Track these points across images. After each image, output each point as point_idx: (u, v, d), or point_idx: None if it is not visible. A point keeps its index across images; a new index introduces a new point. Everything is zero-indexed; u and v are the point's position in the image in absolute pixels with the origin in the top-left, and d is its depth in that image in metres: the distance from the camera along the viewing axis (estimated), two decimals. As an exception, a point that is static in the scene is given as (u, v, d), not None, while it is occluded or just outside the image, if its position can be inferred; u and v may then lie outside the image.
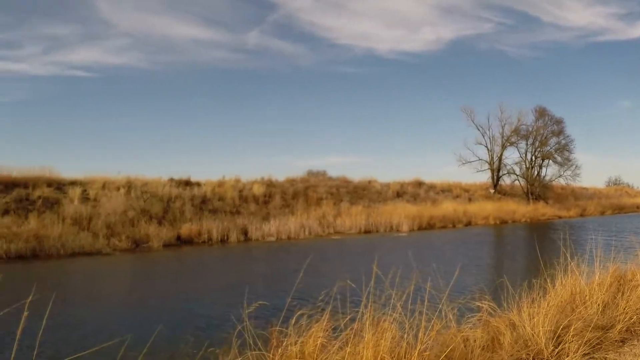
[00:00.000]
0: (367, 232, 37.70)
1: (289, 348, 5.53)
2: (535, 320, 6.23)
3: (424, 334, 5.29)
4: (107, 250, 27.15)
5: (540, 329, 6.07)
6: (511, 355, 5.80)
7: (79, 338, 11.17)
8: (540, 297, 6.93)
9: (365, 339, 5.21)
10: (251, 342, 5.59)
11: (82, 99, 74.95)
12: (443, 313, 5.83)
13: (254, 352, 5.51)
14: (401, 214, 40.83)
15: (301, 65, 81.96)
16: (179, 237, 31.10)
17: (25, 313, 3.53)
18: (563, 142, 62.88)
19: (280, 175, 56.05)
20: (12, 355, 4.27)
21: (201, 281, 19.77)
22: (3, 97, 70.93)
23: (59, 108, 73.63)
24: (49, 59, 70.15)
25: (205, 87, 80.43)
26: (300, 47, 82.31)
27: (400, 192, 50.03)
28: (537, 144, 62.40)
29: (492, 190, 60.35)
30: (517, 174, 63.03)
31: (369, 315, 5.46)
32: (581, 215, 60.54)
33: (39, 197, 31.62)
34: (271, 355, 5.51)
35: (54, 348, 10.05)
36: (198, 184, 39.56)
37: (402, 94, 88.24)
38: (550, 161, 63.16)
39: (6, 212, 29.00)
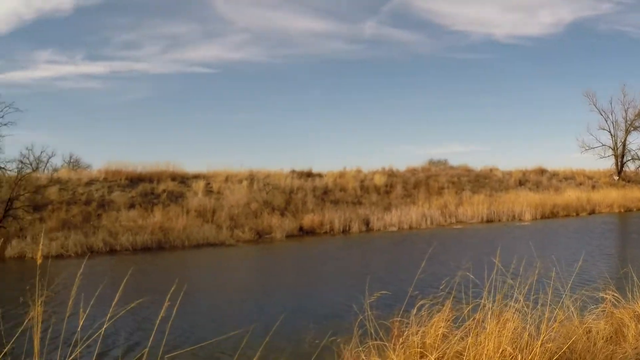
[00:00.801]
0: (489, 221, 36.98)
1: (410, 338, 5.60)
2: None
3: (547, 326, 5.21)
4: (231, 242, 28.32)
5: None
6: (635, 349, 5.60)
7: (206, 326, 11.78)
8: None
9: (487, 329, 5.19)
10: (372, 332, 5.72)
11: (203, 95, 78.67)
12: (565, 304, 5.74)
13: (375, 342, 5.63)
14: (523, 202, 39.61)
15: (419, 54, 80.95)
16: (301, 228, 31.91)
17: (167, 303, 3.86)
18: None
19: (400, 165, 56.06)
20: (150, 340, 4.62)
21: (324, 271, 20.30)
22: (127, 96, 75.87)
23: (181, 104, 77.71)
24: (168, 57, 74.13)
25: (324, 79, 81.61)
26: (416, 35, 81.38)
27: (522, 180, 48.49)
28: (663, 127, 57.78)
29: (616, 177, 56.77)
30: (643, 159, 58.68)
31: (491, 306, 5.47)
32: None
33: (164, 190, 33.77)
34: (392, 345, 5.60)
35: (183, 335, 10.67)
36: (319, 175, 40.49)
37: (521, 79, 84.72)
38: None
39: (132, 206, 31.22)
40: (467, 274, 5.99)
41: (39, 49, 72.55)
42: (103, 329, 3.69)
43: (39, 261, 3.39)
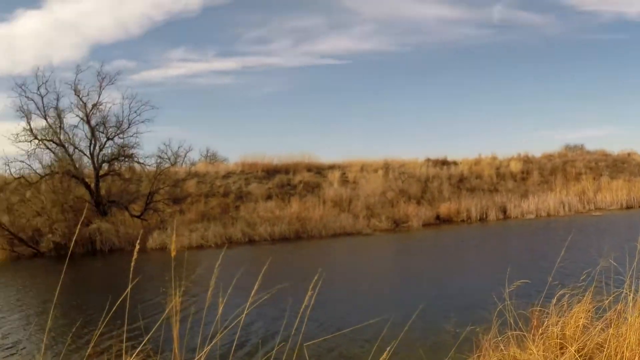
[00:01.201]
0: (628, 207, 35.61)
1: (550, 329, 5.57)
2: None
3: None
4: (368, 231, 28.72)
5: None
6: None
7: (344, 315, 11.81)
8: None
9: (629, 321, 5.03)
10: (512, 322, 5.71)
11: (334, 86, 79.84)
12: None
13: (514, 332, 5.61)
14: (665, 187, 36.96)
15: (549, 36, 76.92)
16: (437, 216, 32.05)
17: (310, 292, 3.84)
18: None
19: (536, 151, 53.96)
20: (293, 327, 4.63)
21: (461, 260, 20.01)
22: (259, 90, 78.44)
23: (312, 96, 79.27)
24: (298, 50, 75.93)
25: (454, 66, 79.86)
26: (546, 17, 77.17)
27: (663, 164, 44.84)
28: None
29: None
30: None
31: (633, 296, 5.34)
32: None
33: (300, 181, 34.75)
34: (531, 336, 5.57)
35: (321, 323, 10.71)
36: (454, 163, 40.48)
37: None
38: None
39: (269, 197, 32.28)
40: (610, 261, 5.91)
41: (171, 48, 76.80)
42: (242, 316, 3.76)
43: (173, 253, 3.46)
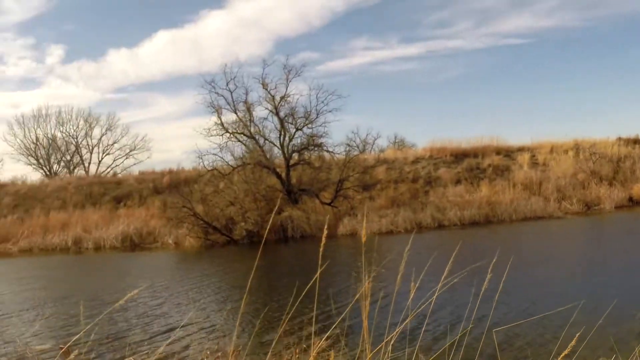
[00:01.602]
0: None
1: None
2: None
3: None
4: (558, 214, 28.11)
5: None
6: None
7: (534, 300, 11.54)
8: None
9: None
10: None
11: (518, 66, 76.88)
12: None
13: None
14: None
15: None
16: (630, 198, 30.74)
17: (489, 275, 3.81)
18: None
19: None
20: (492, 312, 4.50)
21: None
22: (444, 74, 77.76)
23: (496, 77, 77.15)
24: (480, 32, 74.15)
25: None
26: None
27: None
28: None
29: None
30: None
31: None
32: None
33: (489, 165, 34.31)
34: None
35: (509, 309, 10.58)
36: None
37: None
38: None
39: (458, 181, 32.08)
40: None
41: (353, 37, 78.63)
42: (432, 300, 3.75)
43: (364, 238, 3.52)
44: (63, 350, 4.51)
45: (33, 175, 57.91)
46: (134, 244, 29.29)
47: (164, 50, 79.59)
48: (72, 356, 4.43)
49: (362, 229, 3.83)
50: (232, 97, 30.66)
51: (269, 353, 4.47)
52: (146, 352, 7.71)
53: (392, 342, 3.57)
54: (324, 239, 3.43)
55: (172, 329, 10.66)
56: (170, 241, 28.30)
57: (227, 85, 30.43)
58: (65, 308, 13.65)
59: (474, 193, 30.06)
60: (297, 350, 4.87)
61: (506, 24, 75.16)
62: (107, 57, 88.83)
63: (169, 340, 9.55)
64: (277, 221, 27.17)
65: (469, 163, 35.04)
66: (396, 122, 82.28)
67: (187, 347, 9.04)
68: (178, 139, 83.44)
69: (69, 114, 56.65)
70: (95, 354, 7.23)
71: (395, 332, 3.59)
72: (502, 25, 74.59)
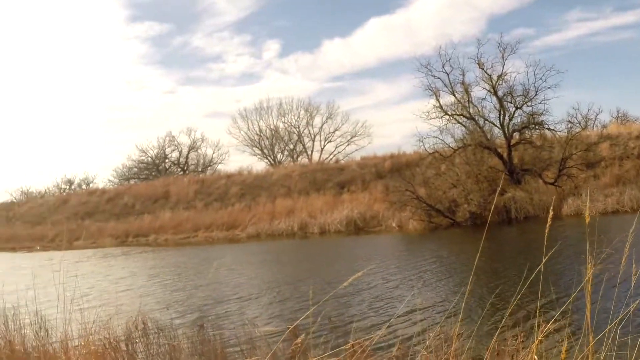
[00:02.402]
0: None
1: None
2: None
3: None
4: None
5: None
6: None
7: None
8: None
9: None
10: None
11: None
12: None
13: None
14: None
15: None
16: None
17: None
18: None
19: None
20: None
21: None
22: None
23: None
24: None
25: None
26: None
27: None
28: None
29: None
30: None
31: None
32: None
33: None
34: None
35: None
36: None
37: None
38: None
39: None
40: None
41: (566, 10, 76.63)
42: None
43: (587, 219, 3.70)
44: (290, 330, 5.63)
45: (258, 165, 64.04)
46: (357, 228, 31.92)
47: (376, 37, 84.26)
48: (298, 339, 5.46)
49: (586, 209, 4.10)
50: (448, 78, 32.56)
51: (494, 337, 4.46)
52: (370, 333, 7.98)
53: (617, 328, 3.85)
54: (549, 221, 3.57)
55: (395, 311, 11.23)
56: (393, 224, 30.65)
57: (442, 67, 32.40)
58: (293, 291, 14.71)
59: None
60: (521, 335, 5.24)
61: None
62: (321, 48, 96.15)
63: (393, 321, 9.96)
64: (499, 202, 28.24)
65: None
66: (618, 95, 79.17)
67: (410, 330, 9.37)
68: (397, 123, 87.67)
69: (290, 104, 62.66)
70: (322, 336, 7.33)
71: (617, 319, 3.88)
72: None
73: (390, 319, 10.20)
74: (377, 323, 10.34)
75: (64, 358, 6.30)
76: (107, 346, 6.65)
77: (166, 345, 7.00)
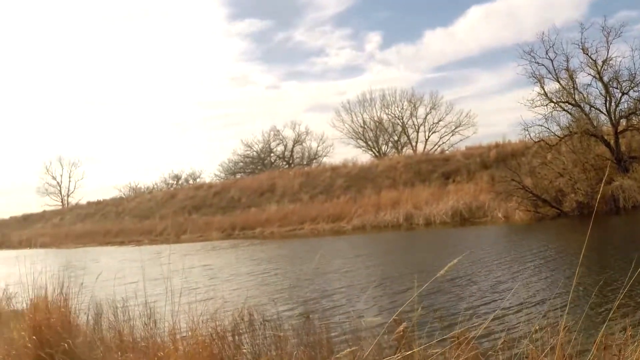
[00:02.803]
0: None
1: None
2: None
3: None
4: None
5: None
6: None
7: None
8: None
9: None
10: None
11: None
12: None
13: None
14: None
15: None
16: None
17: None
18: None
19: None
20: None
21: None
22: None
23: None
24: None
25: None
26: None
27: None
28: None
29: None
30: None
31: None
32: None
33: None
34: None
35: None
36: None
37: None
38: None
39: None
40: None
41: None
42: None
43: None
44: (394, 321, 5.70)
45: (363, 156, 65.74)
46: (463, 219, 32.70)
47: (478, 26, 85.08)
48: (401, 327, 5.64)
49: None
50: (552, 65, 32.95)
51: (601, 330, 4.53)
52: (475, 324, 7.77)
53: None
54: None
55: (500, 303, 11.34)
56: (499, 215, 31.20)
57: (546, 53, 32.85)
58: (399, 282, 14.99)
59: None
60: (629, 328, 5.06)
61: None
62: (423, 38, 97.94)
63: (498, 312, 10.01)
64: (607, 191, 28.34)
65: None
66: None
67: (515, 321, 9.40)
68: (502, 112, 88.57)
69: (393, 96, 64.51)
70: (427, 326, 7.41)
71: None
72: None
73: (495, 310, 10.26)
74: (482, 314, 10.39)
75: (172, 348, 6.55)
76: (214, 336, 6.96)
77: (272, 336, 7.18)
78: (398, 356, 5.00)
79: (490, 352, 5.95)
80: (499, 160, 39.68)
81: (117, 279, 10.99)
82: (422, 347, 5.17)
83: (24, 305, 9.34)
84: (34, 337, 7.64)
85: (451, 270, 4.45)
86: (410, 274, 14.96)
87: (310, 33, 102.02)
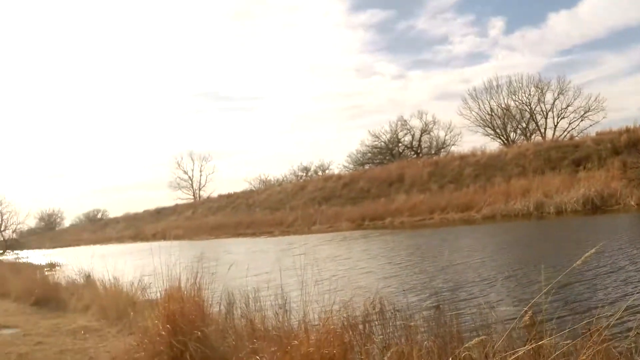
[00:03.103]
0: None
1: None
2: None
3: None
4: None
5: None
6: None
7: None
8: None
9: None
10: None
11: None
12: None
13: None
14: None
15: None
16: None
17: None
18: None
19: None
20: None
21: None
22: None
23: None
24: None
25: None
26: None
27: None
28: None
29: None
30: None
31: None
32: None
33: None
34: None
35: None
36: None
37: None
38: None
39: None
40: None
41: None
42: None
43: None
44: (525, 312, 5.78)
45: (491, 144, 66.10)
46: (595, 207, 32.26)
47: (603, 5, 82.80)
48: (527, 317, 5.73)
49: None
50: (685, 42, 32.52)
51: None
52: (609, 317, 6.98)
53: None
54: None
55: (629, 296, 10.82)
56: (632, 202, 30.78)
57: (677, 31, 32.50)
58: (530, 273, 14.58)
59: None
60: None
61: None
62: (547, 21, 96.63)
63: (630, 303, 9.71)
64: None
65: None
66: None
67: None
68: (632, 95, 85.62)
69: (519, 82, 64.38)
70: (558, 319, 7.35)
71: None
72: None
73: (628, 302, 9.80)
74: (617, 307, 9.64)
75: (304, 337, 6.67)
76: (346, 325, 7.17)
77: (402, 326, 7.24)
78: (527, 347, 5.11)
79: (623, 345, 5.81)
80: (630, 145, 38.94)
81: (249, 270, 11.58)
82: (551, 337, 5.34)
83: (158, 294, 9.78)
84: (168, 326, 8.12)
85: (587, 262, 4.61)
86: (544, 265, 14.54)
87: (433, 21, 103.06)
